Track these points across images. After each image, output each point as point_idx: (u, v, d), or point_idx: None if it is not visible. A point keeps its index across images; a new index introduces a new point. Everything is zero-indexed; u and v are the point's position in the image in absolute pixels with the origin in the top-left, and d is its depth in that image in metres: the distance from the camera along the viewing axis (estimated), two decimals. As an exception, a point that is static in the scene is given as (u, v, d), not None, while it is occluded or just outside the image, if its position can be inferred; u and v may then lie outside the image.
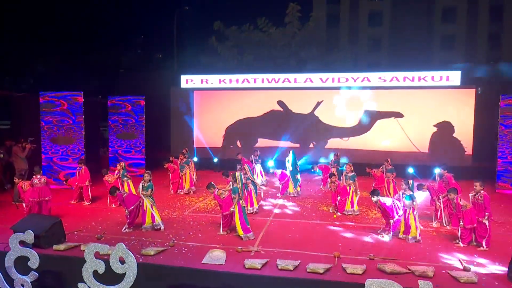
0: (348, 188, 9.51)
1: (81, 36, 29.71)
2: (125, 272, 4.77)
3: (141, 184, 8.24)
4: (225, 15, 23.58)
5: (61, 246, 6.86)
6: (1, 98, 15.83)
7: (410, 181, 8.00)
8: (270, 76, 16.21)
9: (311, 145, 15.94)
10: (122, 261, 4.80)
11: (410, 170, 11.70)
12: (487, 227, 7.02)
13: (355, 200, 9.50)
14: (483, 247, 6.97)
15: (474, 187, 7.30)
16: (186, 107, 16.67)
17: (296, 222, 8.88)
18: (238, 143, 16.65)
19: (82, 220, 8.86)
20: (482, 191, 7.21)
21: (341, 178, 10.18)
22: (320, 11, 30.29)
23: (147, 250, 6.69)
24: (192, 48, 26.15)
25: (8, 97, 15.00)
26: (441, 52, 32.06)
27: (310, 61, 22.02)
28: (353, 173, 9.81)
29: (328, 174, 11.24)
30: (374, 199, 7.63)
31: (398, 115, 15.00)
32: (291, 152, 11.63)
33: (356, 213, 9.39)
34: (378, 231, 7.91)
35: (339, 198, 9.49)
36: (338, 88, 15.54)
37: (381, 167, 10.98)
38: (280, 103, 16.11)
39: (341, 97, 15.50)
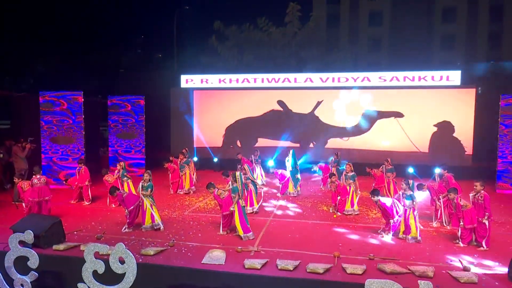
0: (348, 188, 9.50)
1: (81, 36, 29.70)
2: (125, 272, 4.76)
3: (140, 184, 8.23)
4: (225, 15, 23.58)
5: (61, 246, 6.86)
6: (1, 98, 15.81)
7: (411, 181, 8.00)
8: (270, 76, 16.24)
9: (311, 145, 15.93)
10: (122, 261, 4.79)
11: (410, 170, 11.70)
12: (487, 227, 7.02)
13: (355, 200, 9.50)
14: (483, 247, 6.96)
15: (475, 187, 7.30)
16: (187, 106, 16.67)
17: (296, 222, 8.87)
18: (238, 143, 16.65)
19: (82, 220, 8.86)
20: (482, 191, 7.20)
21: (341, 177, 10.18)
22: (320, 11, 30.29)
23: (147, 250, 6.69)
24: (192, 48, 26.13)
25: (8, 97, 14.99)
26: (441, 52, 32.06)
27: (310, 61, 22.01)
28: (353, 173, 9.81)
29: (328, 174, 11.24)
30: (374, 199, 7.62)
31: (398, 115, 15.00)
32: (291, 151, 11.63)
33: (356, 213, 9.38)
34: (378, 231, 7.90)
35: (339, 198, 9.48)
36: (338, 88, 15.55)
37: (381, 167, 10.98)
38: (280, 102, 16.11)
39: (341, 97, 15.50)
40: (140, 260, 6.31)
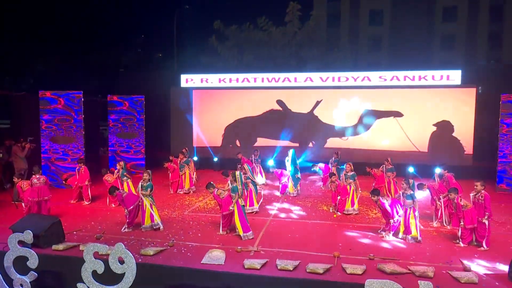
0: (348, 187, 9.49)
1: (81, 36, 29.70)
2: (124, 272, 4.76)
3: (140, 183, 8.21)
4: (225, 15, 23.58)
5: (60, 246, 6.85)
6: (1, 98, 15.80)
7: (411, 180, 7.99)
8: (270, 75, 16.22)
9: (310, 144, 15.92)
10: (121, 261, 4.79)
11: (411, 169, 11.68)
12: (487, 226, 7.01)
13: (356, 199, 9.48)
14: (483, 247, 6.95)
15: (475, 186, 7.29)
16: (187, 103, 16.64)
17: (296, 222, 8.86)
18: (237, 143, 16.64)
19: (82, 219, 8.85)
20: (482, 191, 7.19)
21: (341, 177, 10.16)
22: (320, 10, 30.24)
23: (146, 250, 6.67)
24: (192, 47, 26.15)
25: (7, 97, 14.97)
26: (441, 52, 32.05)
27: (310, 61, 22.00)
28: (353, 172, 9.79)
29: (328, 174, 11.22)
30: (374, 198, 7.60)
31: (398, 114, 14.99)
32: (291, 151, 11.61)
33: (355, 212, 9.36)
34: (378, 231, 7.89)
35: (339, 197, 9.47)
36: (338, 87, 15.53)
37: (381, 166, 10.96)
38: (279, 102, 16.09)
39: (341, 96, 15.48)
40: (140, 260, 6.30)
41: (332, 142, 15.57)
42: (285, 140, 15.85)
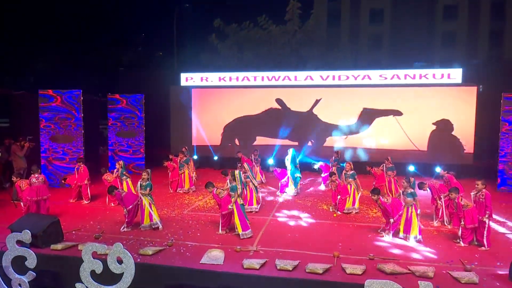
0: (348, 187, 9.45)
1: (81, 36, 29.64)
2: (123, 272, 4.73)
3: (139, 182, 8.19)
4: (225, 13, 23.49)
5: (59, 246, 6.83)
6: (0, 97, 15.77)
7: (412, 179, 7.96)
8: (270, 74, 16.18)
9: (310, 143, 15.88)
10: (120, 261, 4.76)
11: (411, 168, 11.64)
12: (488, 226, 6.97)
13: (357, 197, 9.45)
14: (484, 246, 6.92)
15: (476, 185, 7.26)
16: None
17: (295, 222, 8.82)
18: (236, 141, 16.61)
19: (81, 219, 8.83)
20: (484, 190, 7.16)
21: (341, 176, 10.13)
22: (320, 9, 30.16)
23: (145, 249, 6.65)
24: (192, 46, 26.08)
25: (7, 96, 14.94)
26: (442, 50, 31.95)
27: (310, 59, 21.94)
28: (353, 171, 9.75)
29: (328, 173, 11.19)
30: (375, 198, 7.57)
31: (397, 113, 14.94)
32: (291, 150, 11.58)
33: (356, 211, 9.33)
34: (379, 231, 7.86)
35: (339, 197, 9.43)
36: (338, 86, 15.48)
37: (382, 165, 10.93)
38: (279, 101, 16.05)
39: (341, 95, 15.44)
40: (139, 260, 6.28)
41: (332, 141, 15.53)
42: (284, 139, 15.81)
